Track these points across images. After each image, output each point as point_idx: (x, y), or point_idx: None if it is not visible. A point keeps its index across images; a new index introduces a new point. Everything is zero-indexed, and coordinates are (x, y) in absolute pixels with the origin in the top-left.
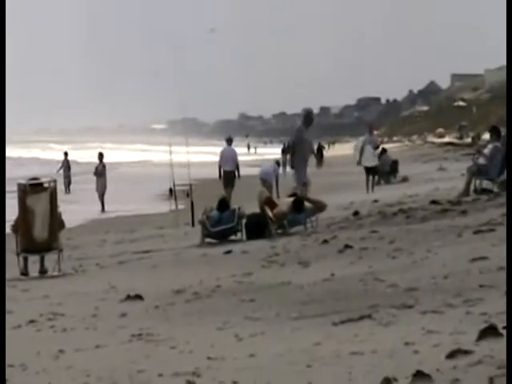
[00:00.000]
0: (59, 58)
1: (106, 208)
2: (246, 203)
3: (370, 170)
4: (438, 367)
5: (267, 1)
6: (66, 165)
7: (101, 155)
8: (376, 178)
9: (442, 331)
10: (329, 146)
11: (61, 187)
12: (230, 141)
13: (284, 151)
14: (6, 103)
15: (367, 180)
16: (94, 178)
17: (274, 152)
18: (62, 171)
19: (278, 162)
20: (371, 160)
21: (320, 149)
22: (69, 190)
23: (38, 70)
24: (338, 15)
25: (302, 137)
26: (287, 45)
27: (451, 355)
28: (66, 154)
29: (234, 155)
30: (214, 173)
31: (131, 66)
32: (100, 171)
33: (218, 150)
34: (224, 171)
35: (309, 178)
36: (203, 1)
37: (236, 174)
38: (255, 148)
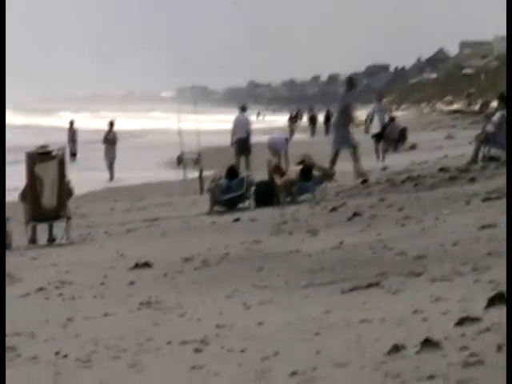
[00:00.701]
0: (66, 25)
1: (114, 176)
2: (255, 171)
3: (377, 137)
4: (446, 335)
5: None
6: (72, 133)
7: (111, 123)
8: (384, 145)
9: (451, 299)
10: None
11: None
12: (243, 108)
13: (291, 119)
14: (12, 73)
15: (376, 148)
16: (103, 146)
17: (281, 119)
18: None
19: (286, 139)
20: (379, 128)
21: (328, 116)
22: (74, 159)
23: (45, 37)
24: None
25: (347, 102)
26: (296, 12)
27: (460, 323)
28: (71, 122)
29: (248, 123)
30: (224, 140)
31: (140, 33)
32: (111, 139)
33: (228, 117)
34: (237, 138)
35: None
36: None
37: (249, 141)
38: (263, 116)
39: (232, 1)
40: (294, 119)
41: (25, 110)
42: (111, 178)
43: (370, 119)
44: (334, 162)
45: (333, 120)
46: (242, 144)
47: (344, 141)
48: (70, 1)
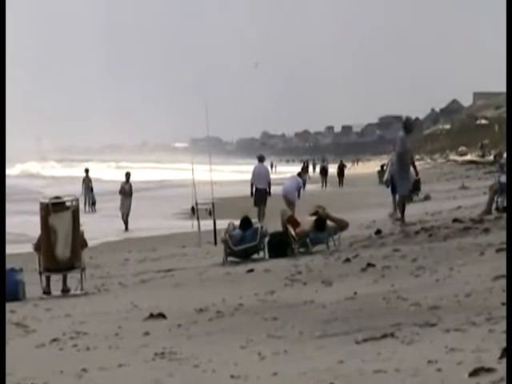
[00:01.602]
0: (81, 76)
1: (128, 227)
2: (269, 221)
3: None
4: None
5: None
6: (88, 182)
7: (128, 175)
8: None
9: (465, 349)
10: (352, 164)
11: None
12: (261, 158)
13: (303, 169)
14: (31, 123)
15: (394, 197)
16: (119, 197)
17: (294, 170)
18: (82, 189)
19: (299, 174)
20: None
21: (341, 167)
22: (94, 209)
23: (60, 89)
24: (360, 36)
25: (406, 146)
26: (310, 63)
27: (474, 373)
28: (87, 170)
29: (267, 173)
30: (237, 191)
31: (153, 84)
32: (128, 191)
33: (241, 168)
34: (256, 189)
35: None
36: (227, 19)
37: (268, 191)
38: (275, 167)
39: (251, 62)
40: (303, 170)
41: (40, 160)
42: (126, 228)
43: (389, 169)
44: (404, 207)
45: (390, 166)
46: (262, 194)
47: (403, 186)
48: (83, 49)
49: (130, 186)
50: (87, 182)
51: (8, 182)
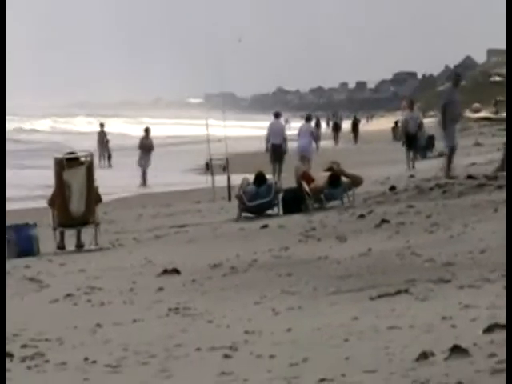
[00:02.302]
0: (94, 32)
1: (147, 182)
2: (283, 177)
3: (408, 145)
4: (475, 341)
5: None
6: (103, 136)
7: (147, 130)
8: (417, 151)
9: (479, 306)
10: (367, 120)
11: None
12: (277, 115)
13: (317, 125)
14: (45, 76)
15: (408, 155)
16: (137, 152)
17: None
18: (97, 144)
19: (314, 120)
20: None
21: (356, 123)
22: (110, 163)
23: (74, 44)
24: None
25: (452, 98)
26: (325, 18)
27: (488, 329)
28: (101, 125)
29: (282, 129)
30: (252, 146)
31: (167, 40)
32: (148, 146)
33: (256, 124)
34: (272, 144)
35: (457, 141)
36: None
37: (283, 147)
38: (289, 123)
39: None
40: (316, 127)
41: (52, 115)
42: (144, 183)
43: (404, 126)
44: (450, 159)
45: (437, 118)
46: (278, 150)
47: (449, 137)
48: (101, 6)
49: (151, 141)
50: (102, 136)
51: (45, 137)
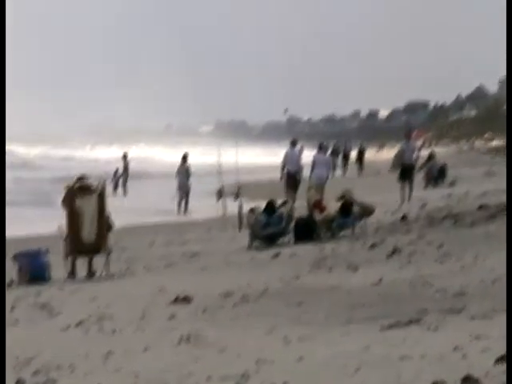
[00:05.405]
0: (106, 58)
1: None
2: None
3: (406, 171)
4: (486, 372)
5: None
6: (126, 165)
7: (185, 157)
8: (412, 184)
9: (491, 336)
10: (378, 150)
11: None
12: (294, 143)
13: (333, 153)
14: (60, 101)
15: (402, 186)
16: (172, 179)
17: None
18: (120, 173)
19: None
20: (409, 160)
21: (361, 152)
22: (125, 191)
23: (87, 71)
24: (386, 20)
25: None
26: (336, 48)
27: (500, 360)
28: (125, 156)
29: (298, 157)
30: (264, 175)
31: (179, 68)
32: (185, 172)
33: (267, 151)
34: (288, 172)
35: None
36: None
37: (299, 175)
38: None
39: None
40: (333, 154)
41: (63, 141)
42: (185, 210)
43: (398, 157)
44: None
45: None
46: (293, 178)
47: None
48: (107, 32)
49: (188, 167)
50: (125, 164)
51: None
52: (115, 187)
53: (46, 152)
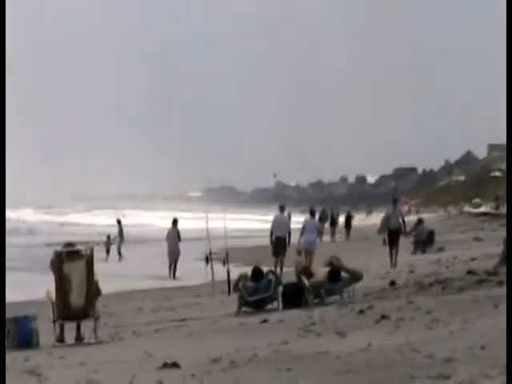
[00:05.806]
0: (93, 125)
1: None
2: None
3: (393, 236)
4: None
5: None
6: (120, 231)
7: (175, 221)
8: (398, 249)
9: None
10: (366, 215)
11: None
12: (282, 208)
13: (321, 219)
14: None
15: (391, 251)
16: (161, 243)
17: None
18: (116, 239)
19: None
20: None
21: (348, 218)
22: (121, 257)
23: (74, 138)
24: (377, 88)
25: None
26: (323, 114)
27: None
28: (119, 221)
29: (287, 222)
30: (251, 241)
31: (166, 134)
32: (175, 236)
33: (255, 217)
34: (276, 237)
35: None
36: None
37: (287, 240)
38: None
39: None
40: (321, 220)
41: (53, 207)
42: (174, 276)
43: (383, 223)
44: None
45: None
46: (281, 243)
47: None
48: (94, 95)
49: (178, 231)
50: (120, 230)
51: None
52: (107, 252)
53: (42, 217)
